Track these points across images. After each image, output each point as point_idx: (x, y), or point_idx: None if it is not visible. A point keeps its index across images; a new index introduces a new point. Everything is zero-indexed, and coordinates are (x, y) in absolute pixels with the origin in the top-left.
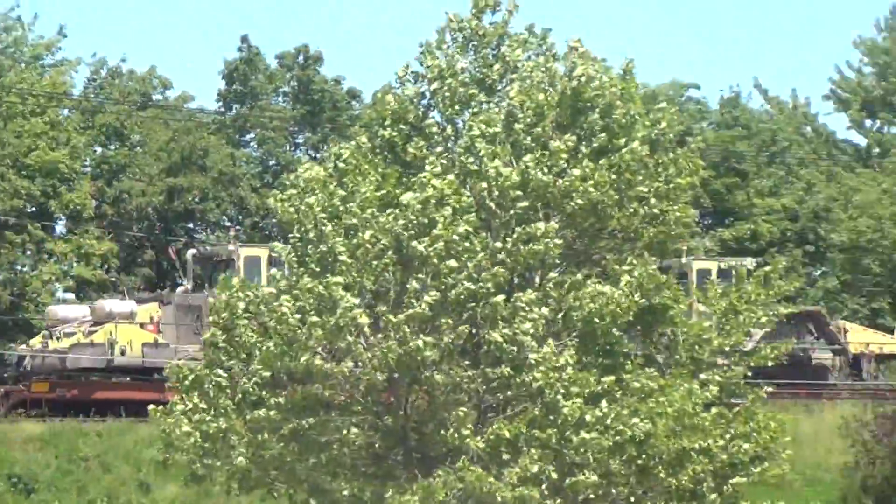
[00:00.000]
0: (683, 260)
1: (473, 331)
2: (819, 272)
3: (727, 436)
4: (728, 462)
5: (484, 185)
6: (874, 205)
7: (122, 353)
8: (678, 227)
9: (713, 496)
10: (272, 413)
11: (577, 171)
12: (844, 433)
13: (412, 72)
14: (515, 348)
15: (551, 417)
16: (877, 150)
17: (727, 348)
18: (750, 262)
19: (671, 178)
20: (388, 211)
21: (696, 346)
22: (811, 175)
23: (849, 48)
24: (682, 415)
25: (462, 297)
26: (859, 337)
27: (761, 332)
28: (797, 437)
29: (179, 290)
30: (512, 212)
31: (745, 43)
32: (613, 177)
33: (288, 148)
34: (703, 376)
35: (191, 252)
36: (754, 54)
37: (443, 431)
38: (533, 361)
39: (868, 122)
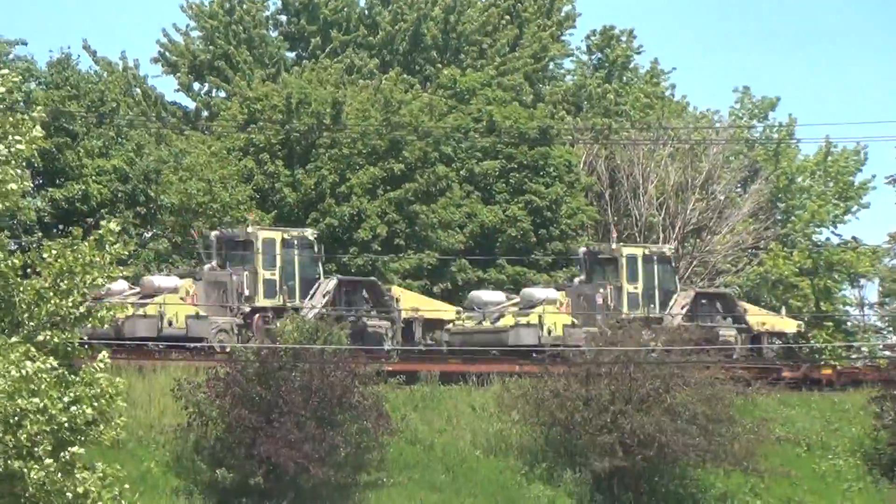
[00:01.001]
0: None
1: None
2: (150, 234)
3: (66, 399)
4: (67, 425)
5: None
6: (203, 168)
7: (170, 324)
8: None
9: (49, 461)
10: None
11: None
12: (178, 395)
13: None
14: None
15: None
16: (205, 113)
17: (63, 311)
18: None
19: (12, 144)
20: None
21: (34, 307)
22: (141, 137)
23: (177, 12)
24: (18, 378)
25: None
26: None
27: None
28: (132, 399)
29: (206, 267)
30: None
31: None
32: None
33: None
34: (40, 337)
35: (214, 233)
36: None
37: None
38: None
39: (196, 86)
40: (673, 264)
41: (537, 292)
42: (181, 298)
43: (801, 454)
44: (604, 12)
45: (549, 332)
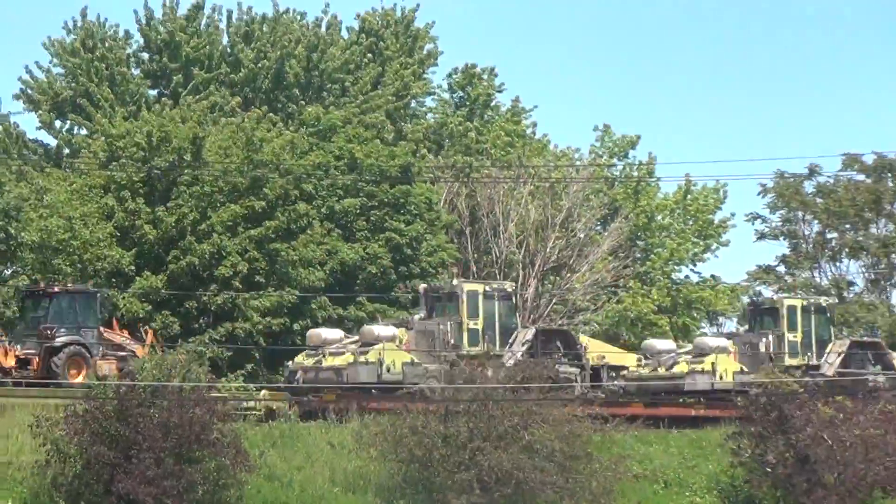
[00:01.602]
0: None
1: None
2: (10, 271)
3: None
4: None
5: None
6: (64, 205)
7: (388, 370)
8: None
9: None
10: None
11: None
12: (36, 432)
13: None
14: None
15: None
16: (67, 150)
17: None
18: None
19: None
20: None
21: None
22: (1, 174)
23: (39, 49)
24: None
25: None
26: None
27: None
28: None
29: (416, 317)
30: None
31: None
32: None
33: None
34: None
35: (422, 286)
36: None
37: None
38: None
39: (58, 123)
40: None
41: (710, 341)
42: (396, 346)
43: (659, 491)
44: (465, 50)
45: (721, 378)
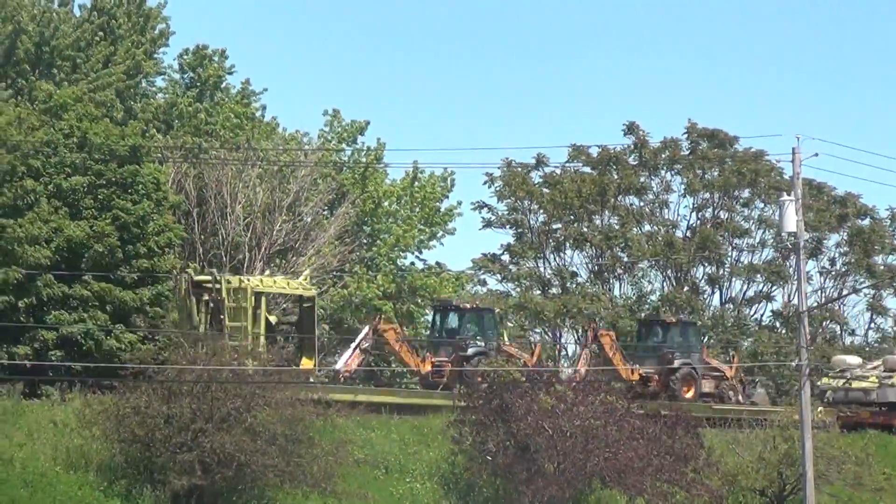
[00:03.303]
0: None
1: None
2: None
3: None
4: None
5: None
6: None
7: None
8: None
9: None
10: None
11: None
12: None
13: None
14: None
15: None
16: None
17: None
18: None
19: None
20: None
21: None
22: None
23: None
24: None
25: None
26: None
27: None
28: None
29: None
30: None
31: None
32: None
33: None
34: None
35: None
36: None
37: None
38: None
39: None
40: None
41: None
42: None
43: (380, 476)
44: (197, 31)
45: None
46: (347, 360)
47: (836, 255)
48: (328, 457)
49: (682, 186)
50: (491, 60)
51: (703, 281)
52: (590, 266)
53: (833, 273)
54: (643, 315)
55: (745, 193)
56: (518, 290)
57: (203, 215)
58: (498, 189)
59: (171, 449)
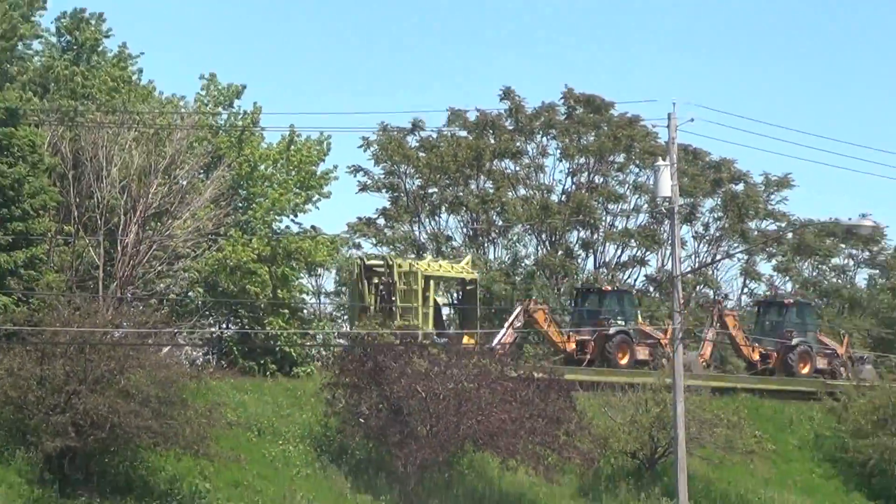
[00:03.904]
0: None
1: None
2: None
3: None
4: None
5: None
6: None
7: None
8: None
9: None
10: None
11: None
12: None
13: None
14: None
15: None
16: None
17: None
18: None
19: None
20: None
21: None
22: None
23: None
24: None
25: None
26: None
27: None
28: None
29: None
30: None
31: None
32: None
33: None
34: None
35: None
36: None
37: None
38: None
39: None
40: None
41: None
42: None
43: (253, 439)
44: None
45: None
46: (502, 338)
47: (710, 220)
48: (201, 419)
49: (558, 151)
50: (367, 25)
51: (577, 245)
52: (465, 230)
53: (707, 238)
54: (762, 295)
55: (621, 158)
56: (393, 253)
57: (78, 178)
58: (374, 153)
59: (44, 411)
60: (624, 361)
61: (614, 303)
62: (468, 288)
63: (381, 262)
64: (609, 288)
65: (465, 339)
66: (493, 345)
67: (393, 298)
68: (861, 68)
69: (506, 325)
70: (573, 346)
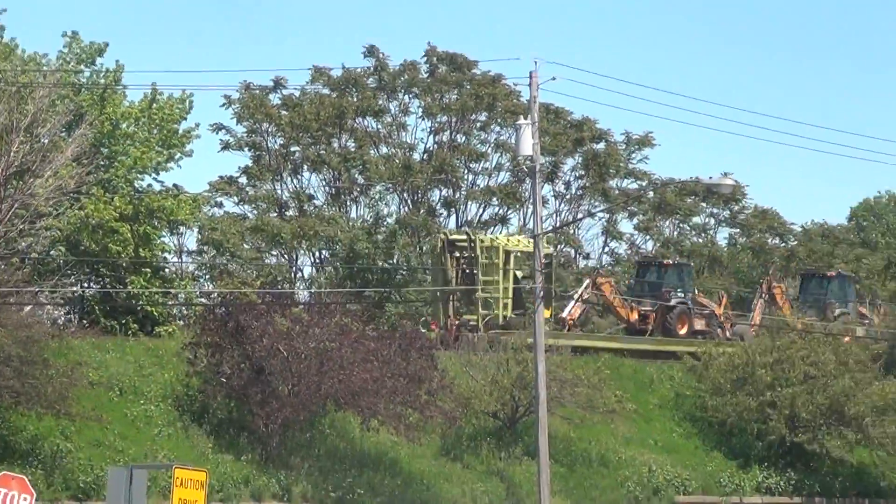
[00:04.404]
0: None
1: None
2: None
3: None
4: None
5: None
6: None
7: None
8: None
9: None
10: None
11: None
12: None
13: None
14: None
15: None
16: None
17: None
18: None
19: None
20: None
21: None
22: None
23: None
24: None
25: None
26: None
27: None
28: None
29: None
30: None
31: None
32: None
33: None
34: None
35: None
36: None
37: None
38: None
39: None
40: None
41: None
42: None
43: (114, 398)
44: None
45: None
46: (571, 310)
47: (572, 178)
48: (63, 378)
49: (420, 110)
50: None
51: (439, 204)
52: (327, 188)
53: (568, 197)
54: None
55: (483, 117)
56: (255, 212)
57: None
58: (236, 111)
59: None
60: (683, 332)
61: (674, 276)
62: (544, 262)
63: (464, 238)
64: (669, 262)
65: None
66: (563, 315)
67: (475, 272)
68: (722, 25)
69: (575, 297)
70: (636, 316)
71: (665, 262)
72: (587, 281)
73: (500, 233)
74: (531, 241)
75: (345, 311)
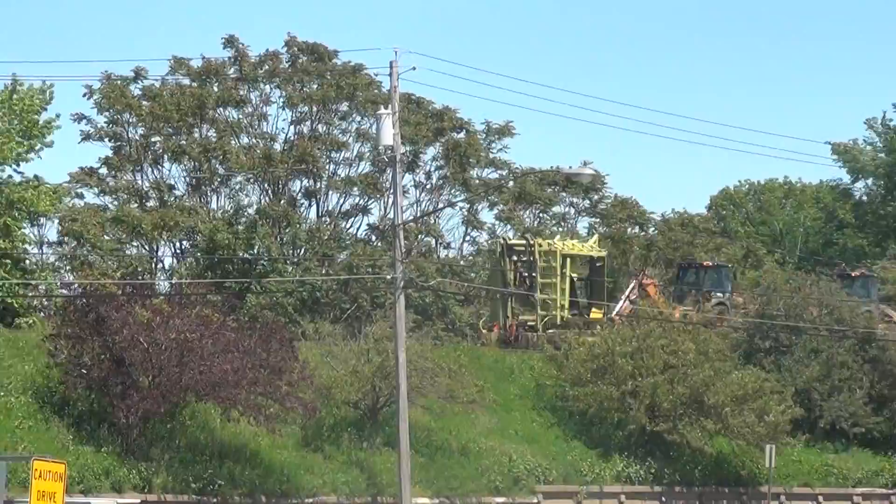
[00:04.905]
0: None
1: None
2: None
3: None
4: None
5: None
6: None
7: None
8: None
9: None
10: None
11: None
12: None
13: None
14: None
15: None
16: None
17: None
18: None
19: None
20: None
21: None
22: None
23: None
24: None
25: None
26: None
27: None
28: None
29: None
30: None
31: None
32: None
33: None
34: None
35: None
36: None
37: None
38: None
39: None
40: None
41: None
42: None
43: None
44: None
45: None
46: (620, 309)
47: (433, 168)
48: None
49: (281, 100)
50: None
51: (300, 194)
52: (188, 179)
53: (429, 187)
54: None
55: (344, 107)
56: (116, 203)
57: None
58: (97, 101)
59: None
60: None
61: (714, 277)
62: (597, 265)
63: (522, 242)
64: (709, 263)
65: (594, 312)
66: (612, 315)
67: (533, 275)
68: (583, 15)
69: (622, 297)
70: (678, 315)
71: (704, 263)
72: (633, 282)
73: (359, 223)
74: (583, 245)
75: (205, 301)
